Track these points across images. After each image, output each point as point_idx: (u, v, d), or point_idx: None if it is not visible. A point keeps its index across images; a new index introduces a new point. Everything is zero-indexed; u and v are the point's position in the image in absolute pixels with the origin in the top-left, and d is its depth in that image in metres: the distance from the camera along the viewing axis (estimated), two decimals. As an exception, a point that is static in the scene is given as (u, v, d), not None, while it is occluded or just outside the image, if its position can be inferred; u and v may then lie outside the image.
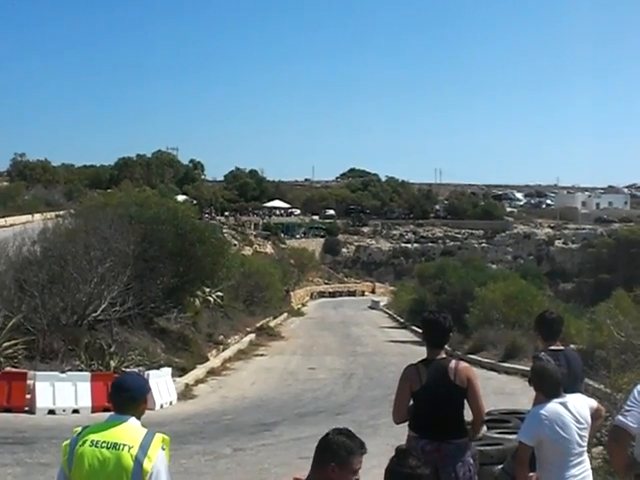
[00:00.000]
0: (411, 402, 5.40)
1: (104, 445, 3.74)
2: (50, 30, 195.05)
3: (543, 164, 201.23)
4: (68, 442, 3.84)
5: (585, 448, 5.01)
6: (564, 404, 4.93)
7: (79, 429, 3.88)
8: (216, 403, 17.20)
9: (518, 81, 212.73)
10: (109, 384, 15.10)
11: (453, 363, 5.37)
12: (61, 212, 28.14)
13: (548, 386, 4.99)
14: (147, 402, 4.07)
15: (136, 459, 3.71)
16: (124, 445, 3.74)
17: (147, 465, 3.70)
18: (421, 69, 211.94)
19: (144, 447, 3.74)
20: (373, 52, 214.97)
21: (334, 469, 3.44)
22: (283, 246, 68.86)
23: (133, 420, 3.87)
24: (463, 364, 5.46)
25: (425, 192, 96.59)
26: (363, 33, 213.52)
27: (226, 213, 76.18)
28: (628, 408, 4.19)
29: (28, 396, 14.35)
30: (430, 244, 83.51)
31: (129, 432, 3.82)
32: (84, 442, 3.78)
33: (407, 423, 5.43)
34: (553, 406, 4.90)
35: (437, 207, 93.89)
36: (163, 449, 3.79)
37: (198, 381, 19.28)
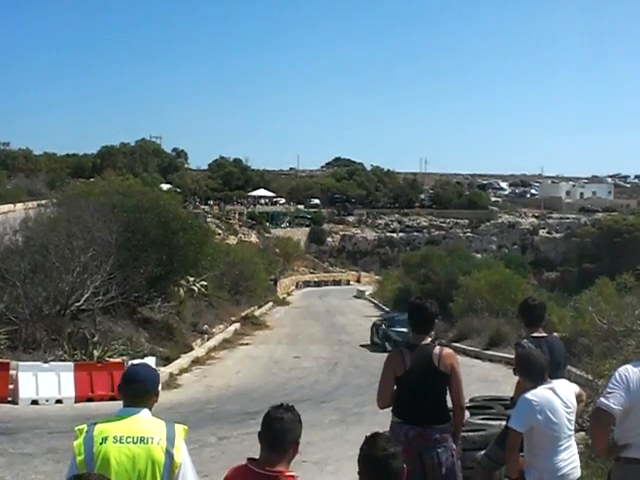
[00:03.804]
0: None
1: (130, 440, 3.56)
2: (32, 22, 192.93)
3: (528, 154, 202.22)
4: (80, 441, 3.58)
5: (573, 432, 5.04)
6: (552, 389, 4.94)
7: (84, 427, 3.64)
8: (200, 392, 17.17)
9: (503, 71, 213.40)
10: (92, 374, 15.18)
11: (437, 349, 5.37)
12: (43, 201, 27.86)
13: (533, 372, 5.00)
14: (159, 394, 3.89)
15: (166, 451, 3.57)
16: (152, 438, 3.58)
17: (177, 457, 3.58)
18: (406, 59, 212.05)
19: (170, 439, 3.61)
20: (359, 42, 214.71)
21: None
22: (268, 235, 68.72)
23: (147, 412, 3.72)
24: (447, 350, 5.47)
25: (410, 181, 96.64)
26: (348, 22, 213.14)
27: (210, 202, 75.84)
28: (610, 390, 4.22)
29: (11, 386, 14.28)
30: (415, 233, 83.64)
31: (151, 424, 3.67)
32: (105, 439, 3.56)
33: (391, 409, 5.43)
34: (542, 392, 4.90)
35: (422, 196, 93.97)
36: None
37: (182, 370, 19.24)
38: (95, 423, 3.68)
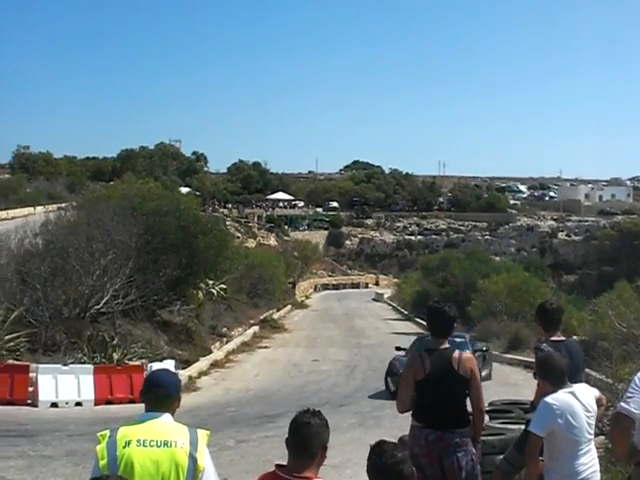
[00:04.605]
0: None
1: (153, 443, 3.57)
2: (51, 24, 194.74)
3: (546, 156, 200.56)
4: (103, 445, 3.59)
5: (593, 436, 5.02)
6: (572, 393, 4.91)
7: (106, 432, 3.66)
8: (219, 395, 17.20)
9: (522, 74, 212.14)
10: (112, 377, 15.26)
11: (457, 353, 5.39)
12: (63, 204, 28.10)
13: (553, 375, 4.97)
14: (180, 399, 3.90)
15: (190, 455, 3.58)
16: (175, 442, 3.59)
17: (200, 461, 3.60)
18: (424, 62, 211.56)
19: (194, 443, 3.62)
20: (377, 46, 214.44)
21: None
22: (287, 238, 68.78)
23: (169, 417, 3.73)
24: (466, 354, 5.49)
25: (429, 184, 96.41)
26: (366, 27, 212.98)
27: (229, 205, 76.11)
28: (630, 395, 4.18)
29: (31, 389, 14.37)
30: (434, 236, 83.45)
31: (174, 429, 3.68)
32: (128, 443, 3.56)
33: (411, 413, 5.43)
34: (563, 396, 4.88)
35: (441, 199, 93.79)
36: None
37: (201, 373, 19.29)
38: (117, 428, 3.69)
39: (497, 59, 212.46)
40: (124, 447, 3.55)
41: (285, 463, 3.50)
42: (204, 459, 3.61)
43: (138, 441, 3.56)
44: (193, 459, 3.57)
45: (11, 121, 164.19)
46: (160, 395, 3.73)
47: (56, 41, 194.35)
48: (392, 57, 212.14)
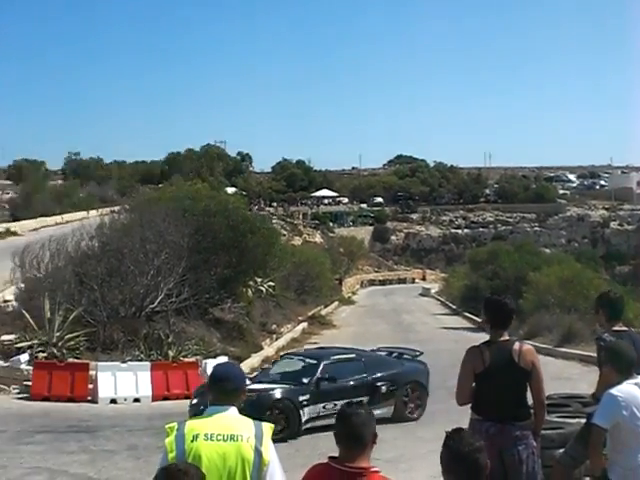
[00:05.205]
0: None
1: (220, 437, 3.62)
2: (107, 32, 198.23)
3: (596, 144, 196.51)
4: (172, 438, 3.65)
5: None
6: (638, 385, 4.85)
7: (174, 425, 3.72)
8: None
9: (569, 61, 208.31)
10: (168, 373, 15.54)
11: (517, 345, 5.36)
12: (115, 208, 28.64)
13: (622, 363, 4.89)
14: (245, 393, 3.97)
15: (255, 449, 3.61)
16: (241, 436, 3.63)
17: (265, 455, 3.62)
18: (469, 52, 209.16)
19: (259, 437, 3.65)
20: (421, 36, 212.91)
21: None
22: (332, 235, 68.91)
23: (234, 410, 3.76)
24: (527, 346, 5.45)
25: (474, 176, 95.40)
26: (411, 18, 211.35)
27: (274, 204, 76.61)
28: None
29: (90, 386, 14.76)
30: (481, 229, 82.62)
31: (240, 422, 3.72)
32: (195, 437, 3.62)
33: (470, 406, 5.44)
34: (628, 387, 4.82)
35: (487, 191, 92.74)
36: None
37: (253, 370, 19.46)
38: (185, 421, 3.77)
39: (544, 49, 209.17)
40: (192, 441, 3.60)
41: (336, 455, 3.55)
42: (269, 453, 3.64)
43: (205, 435, 3.61)
44: (259, 453, 3.61)
45: (62, 128, 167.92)
46: (226, 388, 3.77)
47: (105, 50, 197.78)
48: (437, 48, 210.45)
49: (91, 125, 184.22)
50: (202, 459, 3.55)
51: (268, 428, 3.74)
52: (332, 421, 11.93)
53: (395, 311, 41.33)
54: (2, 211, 48.68)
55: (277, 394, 11.76)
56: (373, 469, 3.51)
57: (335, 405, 11.47)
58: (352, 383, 12.50)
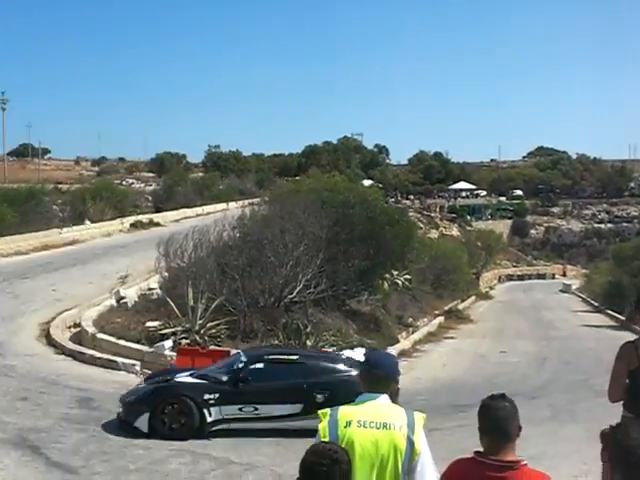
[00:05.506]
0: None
1: (373, 425, 3.59)
2: (237, 26, 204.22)
3: None
4: (326, 424, 3.65)
5: None
6: None
7: (327, 410, 3.72)
8: (409, 384, 17.28)
9: None
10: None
11: None
12: (254, 199, 29.48)
13: None
14: (399, 382, 3.91)
15: (407, 438, 3.57)
16: (394, 424, 3.59)
17: (417, 444, 3.57)
18: (608, 38, 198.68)
19: (411, 426, 3.61)
20: (552, 25, 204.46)
21: None
22: (469, 228, 67.82)
23: (386, 398, 3.74)
24: None
25: (619, 169, 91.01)
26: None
27: (411, 196, 76.32)
28: None
29: (230, 373, 15.27)
30: (625, 224, 78.88)
31: (392, 410, 3.69)
32: (349, 423, 3.61)
33: (622, 403, 5.28)
34: None
35: (632, 184, 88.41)
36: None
37: (389, 362, 19.59)
38: (337, 407, 3.77)
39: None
40: (345, 427, 3.59)
41: (480, 450, 3.49)
42: (421, 442, 3.59)
43: (359, 422, 3.60)
44: (410, 442, 3.57)
45: (203, 122, 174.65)
46: (379, 376, 3.77)
47: (235, 45, 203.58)
48: (571, 35, 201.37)
49: (231, 119, 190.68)
50: (355, 446, 3.54)
51: (420, 417, 3.69)
52: (251, 425, 10.65)
53: (534, 307, 40.28)
54: (145, 202, 51.45)
55: (177, 389, 10.87)
56: (523, 462, 3.45)
57: (255, 409, 10.63)
58: (283, 388, 11.07)
